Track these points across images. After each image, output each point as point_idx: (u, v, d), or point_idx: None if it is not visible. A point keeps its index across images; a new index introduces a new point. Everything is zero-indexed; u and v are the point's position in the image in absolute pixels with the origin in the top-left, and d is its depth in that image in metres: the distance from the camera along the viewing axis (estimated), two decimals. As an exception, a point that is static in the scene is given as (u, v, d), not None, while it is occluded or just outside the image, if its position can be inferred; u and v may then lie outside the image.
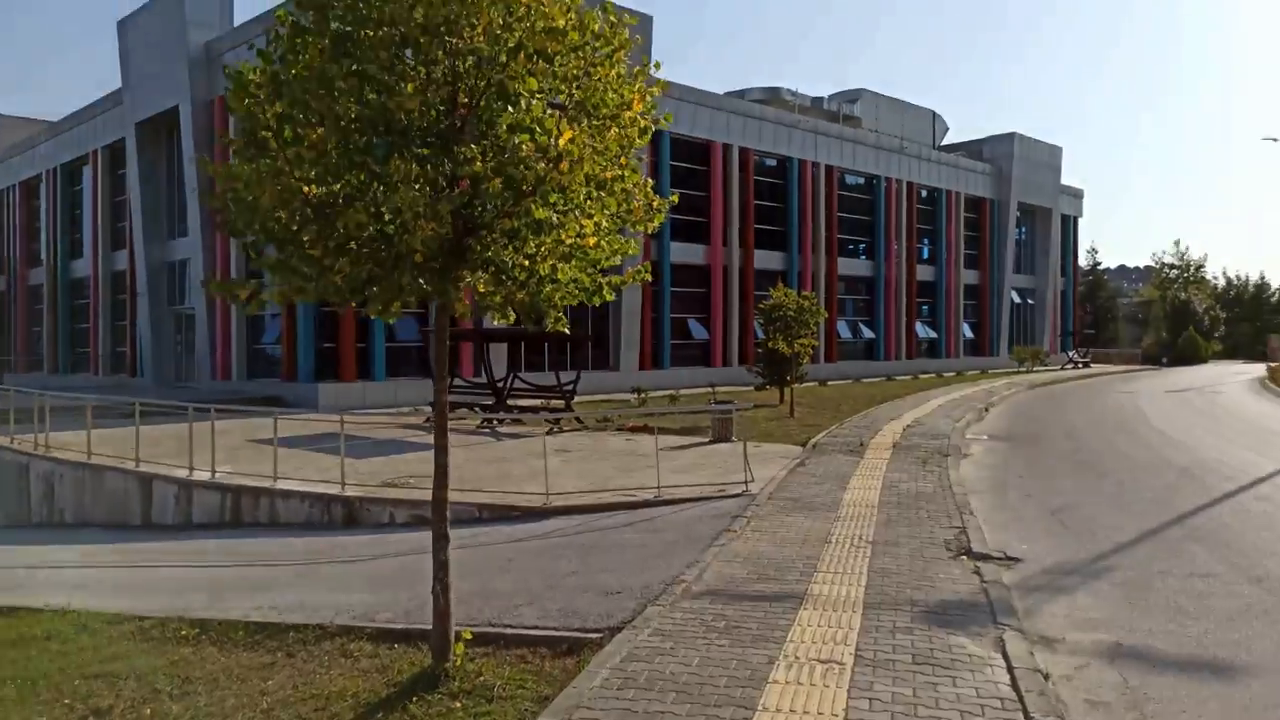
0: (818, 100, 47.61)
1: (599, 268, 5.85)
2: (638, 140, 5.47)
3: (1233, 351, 71.11)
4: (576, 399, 22.69)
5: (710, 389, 29.66)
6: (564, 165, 4.89)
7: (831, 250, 42.29)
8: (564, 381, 20.54)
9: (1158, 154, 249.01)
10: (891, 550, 8.73)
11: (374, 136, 5.05)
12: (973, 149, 54.31)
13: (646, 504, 11.86)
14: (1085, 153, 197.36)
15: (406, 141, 5.08)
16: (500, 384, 21.25)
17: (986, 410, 25.34)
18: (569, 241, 5.21)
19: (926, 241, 49.52)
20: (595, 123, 5.25)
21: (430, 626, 6.15)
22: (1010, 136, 53.69)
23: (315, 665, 6.44)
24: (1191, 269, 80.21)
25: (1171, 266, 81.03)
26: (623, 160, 5.50)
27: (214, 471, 14.36)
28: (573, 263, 5.37)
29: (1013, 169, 53.02)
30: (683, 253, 36.04)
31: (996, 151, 53.75)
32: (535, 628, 6.80)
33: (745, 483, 12.61)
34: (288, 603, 8.15)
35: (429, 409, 22.30)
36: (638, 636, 6.25)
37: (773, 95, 44.67)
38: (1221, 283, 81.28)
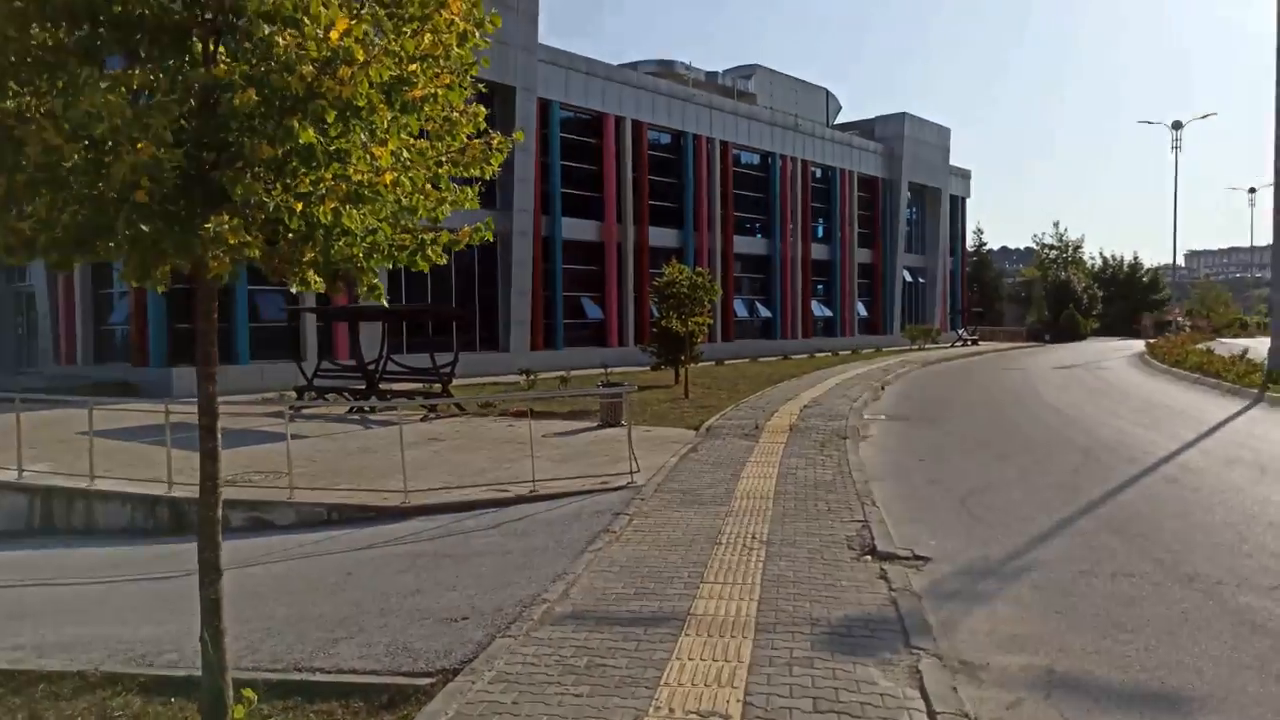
0: (712, 75, 46.68)
1: (416, 218, 4.51)
2: (456, 49, 4.14)
3: (1110, 328, 73.78)
4: (460, 382, 21.19)
5: (603, 370, 28.46)
6: (343, 71, 3.54)
7: (727, 228, 41.54)
8: (441, 364, 18.99)
9: (1040, 139, 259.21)
10: (788, 552, 7.68)
11: (75, 29, 3.60)
12: (865, 128, 54.38)
13: (519, 500, 10.57)
14: (971, 137, 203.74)
15: (124, 35, 3.64)
16: (372, 366, 19.57)
17: (883, 389, 24.87)
18: (357, 178, 3.86)
19: (821, 220, 49.36)
20: (394, 22, 3.90)
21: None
22: (901, 116, 53.97)
23: (56, 736, 4.96)
24: (1070, 250, 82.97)
25: (1051, 247, 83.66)
26: (441, 77, 4.17)
27: (20, 470, 12.40)
28: (365, 208, 4.01)
29: (904, 148, 53.31)
30: (575, 229, 34.66)
31: (888, 131, 53.95)
32: (352, 671, 5.45)
33: (630, 473, 11.44)
34: (56, 639, 6.57)
35: (294, 394, 20.45)
36: (475, 685, 4.97)
37: (667, 69, 43.50)
38: (1098, 263, 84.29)
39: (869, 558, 7.58)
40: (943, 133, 57.64)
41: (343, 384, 20.16)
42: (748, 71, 48.78)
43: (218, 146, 3.74)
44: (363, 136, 3.83)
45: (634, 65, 41.79)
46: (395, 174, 3.97)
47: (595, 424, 16.75)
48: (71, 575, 9.18)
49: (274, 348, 25.65)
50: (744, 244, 43.22)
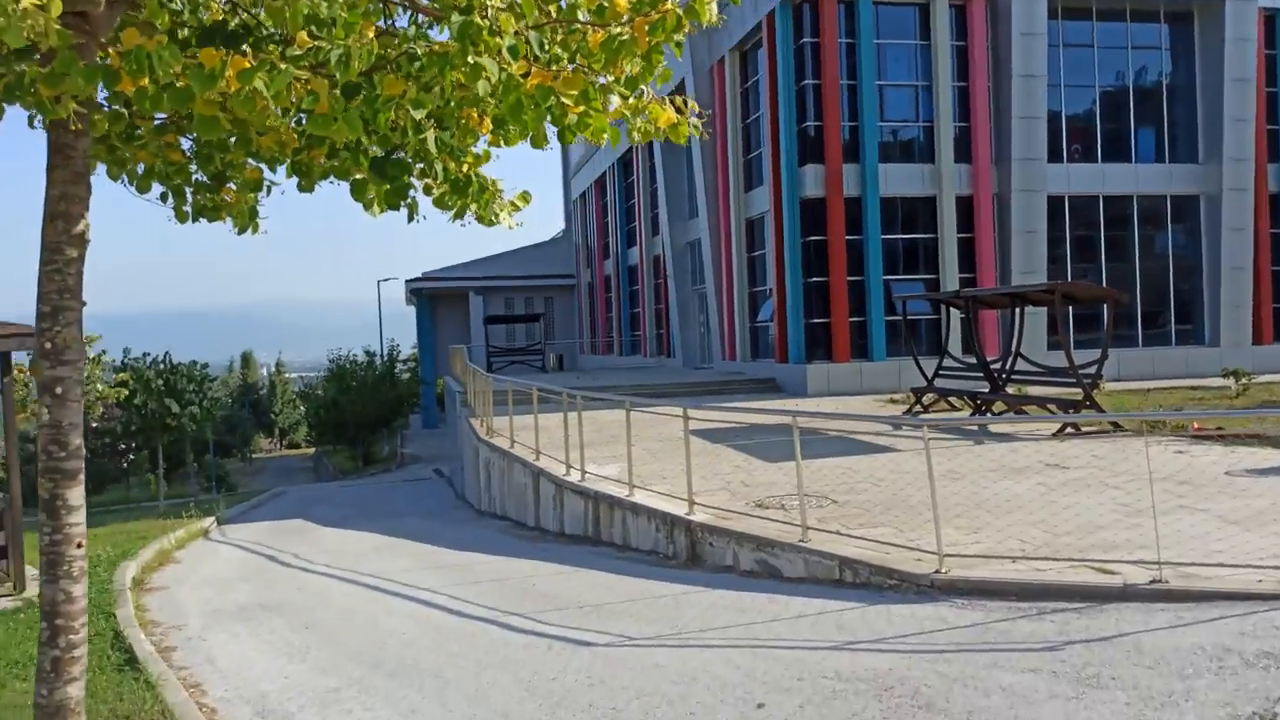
0: None
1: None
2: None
3: None
4: (1135, 385, 16.12)
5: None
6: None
7: None
8: (1085, 362, 14.35)
9: None
10: None
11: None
12: None
13: (1127, 594, 6.29)
14: None
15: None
16: (997, 364, 15.80)
17: None
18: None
19: None
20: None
21: None
22: None
23: None
24: None
25: None
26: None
27: (583, 473, 11.95)
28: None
29: None
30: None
31: None
32: None
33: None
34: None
35: (911, 396, 17.68)
36: None
37: None
38: None
39: None
40: None
41: (965, 386, 16.74)
42: None
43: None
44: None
45: None
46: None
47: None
48: (506, 604, 7.82)
49: (913, 341, 23.21)
50: None
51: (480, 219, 4.11)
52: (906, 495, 9.77)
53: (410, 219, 4.21)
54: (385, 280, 55.05)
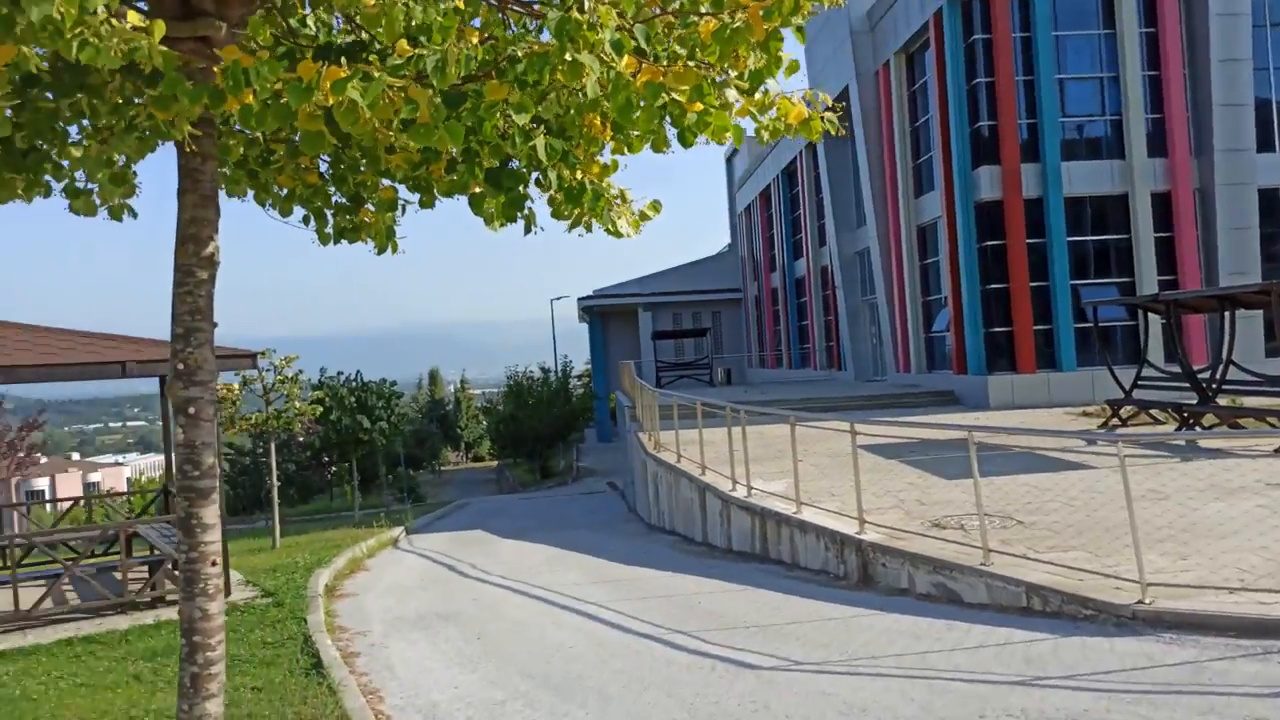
0: None
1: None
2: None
3: None
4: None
5: None
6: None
7: None
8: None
9: None
10: None
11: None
12: None
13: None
14: None
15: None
16: (1204, 374, 14.44)
17: None
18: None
19: None
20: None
21: None
22: None
23: None
24: None
25: None
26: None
27: (749, 488, 11.75)
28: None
29: None
30: None
31: None
32: None
33: None
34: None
35: (1107, 409, 16.42)
36: None
37: None
38: None
39: None
40: None
41: (1169, 397, 15.37)
42: None
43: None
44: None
45: None
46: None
47: None
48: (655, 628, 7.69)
49: (1111, 351, 21.61)
50: None
51: (610, 232, 3.98)
52: (1102, 517, 9.02)
53: (527, 231, 4.15)
54: (558, 298, 56.53)
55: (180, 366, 3.97)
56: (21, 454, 36.22)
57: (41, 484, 63.45)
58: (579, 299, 48.85)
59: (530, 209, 3.97)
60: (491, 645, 7.91)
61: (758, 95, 3.64)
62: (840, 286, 32.15)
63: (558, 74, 3.09)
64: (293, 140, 4.05)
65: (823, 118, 3.85)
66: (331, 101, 3.08)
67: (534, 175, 3.76)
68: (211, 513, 4.04)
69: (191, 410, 3.97)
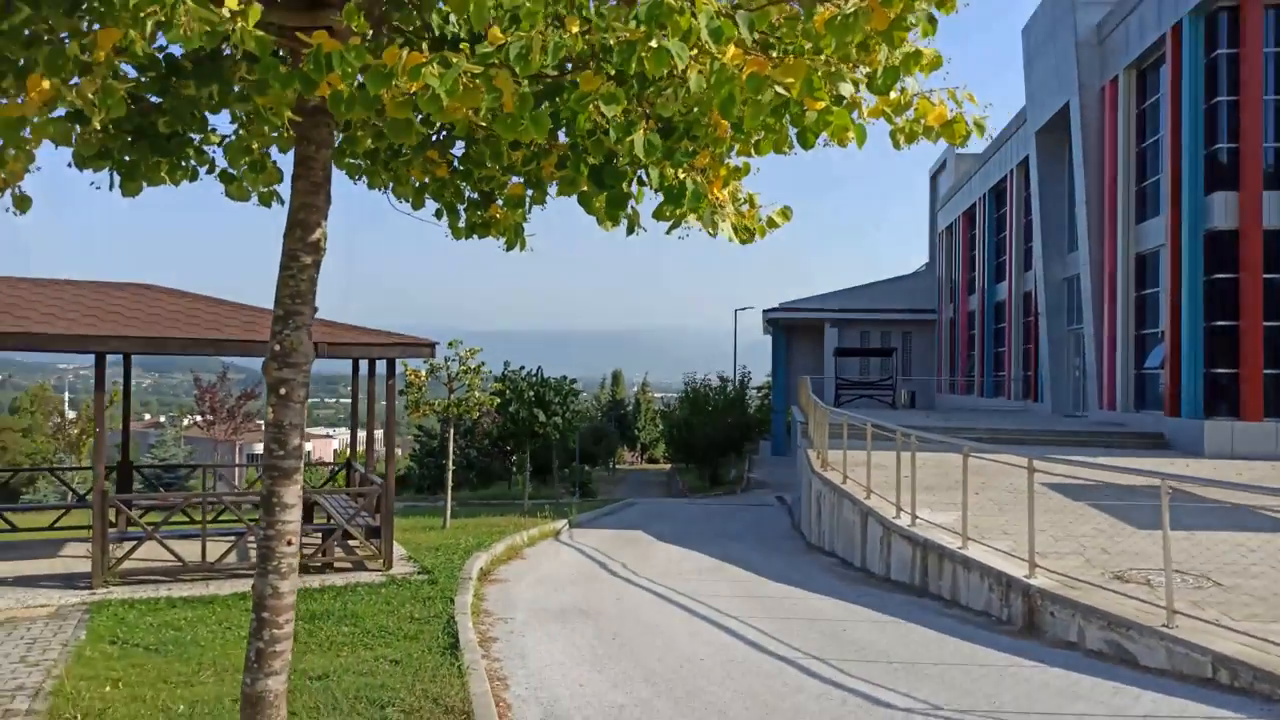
0: None
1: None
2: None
3: None
4: None
5: None
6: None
7: None
8: None
9: None
10: None
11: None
12: None
13: None
14: None
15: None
16: None
17: None
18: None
19: None
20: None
21: None
22: None
23: None
24: None
25: None
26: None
27: (914, 517, 11.14)
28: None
29: None
30: None
31: None
32: None
33: None
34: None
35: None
36: None
37: None
38: None
39: None
40: None
41: None
42: None
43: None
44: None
45: None
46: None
47: None
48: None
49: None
50: None
51: (730, 234, 3.75)
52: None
53: (630, 231, 3.99)
54: (742, 309, 56.31)
55: (277, 348, 4.02)
56: (239, 420, 39.78)
57: (260, 449, 69.59)
58: (764, 311, 48.38)
59: (634, 209, 3.84)
60: (624, 647, 7.85)
61: (892, 94, 3.34)
62: (1044, 314, 30.16)
63: (645, 64, 2.92)
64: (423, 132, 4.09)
65: (969, 120, 3.49)
66: (413, 88, 3.06)
67: (638, 173, 3.61)
68: (293, 493, 4.04)
69: (283, 390, 4.00)
